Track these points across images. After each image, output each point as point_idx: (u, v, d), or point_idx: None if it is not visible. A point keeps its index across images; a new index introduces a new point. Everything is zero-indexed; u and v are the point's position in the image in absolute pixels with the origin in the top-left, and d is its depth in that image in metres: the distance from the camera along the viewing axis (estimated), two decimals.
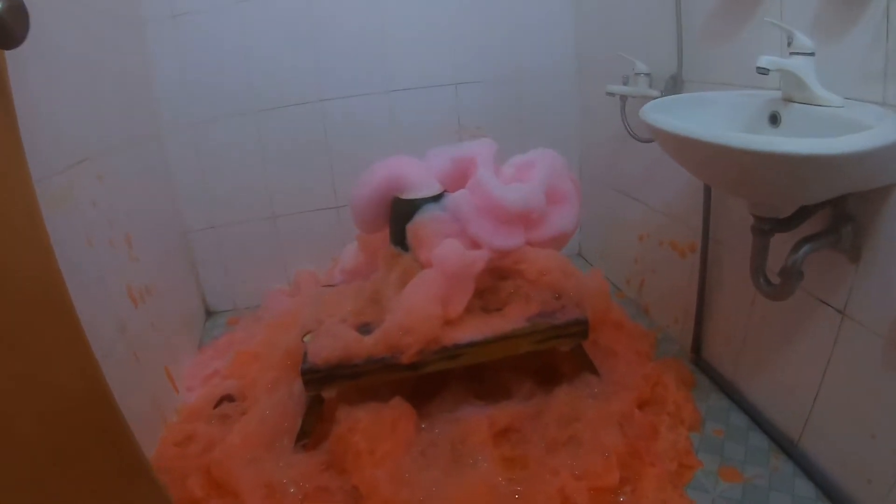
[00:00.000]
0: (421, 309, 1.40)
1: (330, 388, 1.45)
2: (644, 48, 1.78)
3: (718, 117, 1.26)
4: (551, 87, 2.34)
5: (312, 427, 1.48)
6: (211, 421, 1.60)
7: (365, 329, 1.51)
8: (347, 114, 2.21)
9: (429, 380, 1.57)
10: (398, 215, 1.62)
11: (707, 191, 1.56)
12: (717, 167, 1.10)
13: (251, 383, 1.69)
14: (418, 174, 1.59)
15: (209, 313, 2.36)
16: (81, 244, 1.27)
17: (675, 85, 1.61)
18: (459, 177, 1.64)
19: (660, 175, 1.83)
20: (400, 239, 1.62)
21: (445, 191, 1.61)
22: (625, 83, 1.85)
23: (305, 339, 1.52)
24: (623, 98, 1.86)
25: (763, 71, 1.08)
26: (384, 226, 1.67)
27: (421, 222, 1.53)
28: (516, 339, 1.50)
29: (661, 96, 1.58)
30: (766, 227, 1.18)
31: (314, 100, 2.17)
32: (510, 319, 1.52)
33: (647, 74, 1.75)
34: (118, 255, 1.49)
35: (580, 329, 1.54)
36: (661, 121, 1.14)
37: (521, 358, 1.58)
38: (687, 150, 1.12)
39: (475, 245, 1.53)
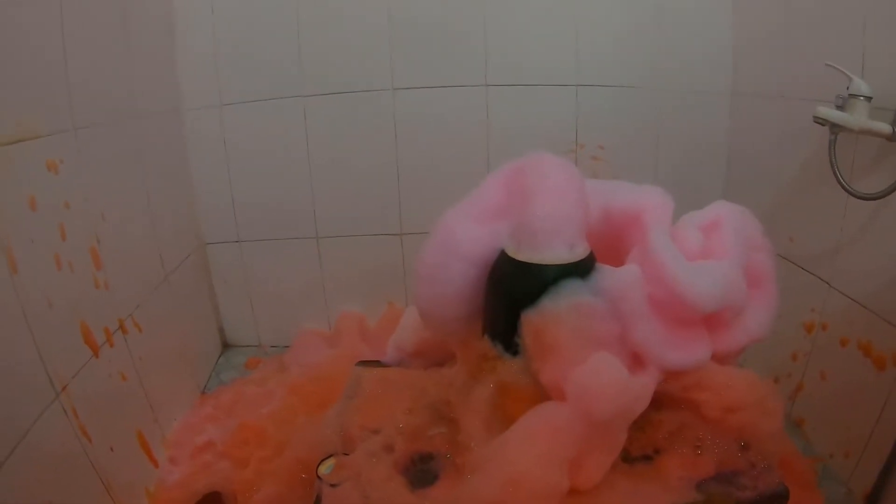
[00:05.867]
0: (535, 478, 0.80)
1: None
2: (853, 58, 1.31)
3: None
4: (697, 102, 1.82)
5: None
6: None
7: (423, 469, 0.97)
8: (427, 110, 1.80)
9: None
10: (504, 287, 1.01)
11: None
12: None
13: (247, 485, 1.32)
14: (566, 209, 0.94)
15: (226, 345, 2.03)
16: None
17: None
18: (610, 238, 1.02)
19: (869, 245, 1.34)
20: (502, 329, 1.00)
21: (593, 255, 0.99)
22: (839, 107, 1.33)
23: (322, 468, 1.00)
24: (835, 130, 1.35)
25: None
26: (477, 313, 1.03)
27: (556, 312, 0.91)
28: None
29: (894, 131, 1.20)
30: None
31: (384, 87, 1.77)
32: (669, 484, 0.94)
33: (868, 98, 1.27)
34: (71, 279, 1.12)
35: None
36: None
37: None
38: None
39: (633, 358, 0.91)
